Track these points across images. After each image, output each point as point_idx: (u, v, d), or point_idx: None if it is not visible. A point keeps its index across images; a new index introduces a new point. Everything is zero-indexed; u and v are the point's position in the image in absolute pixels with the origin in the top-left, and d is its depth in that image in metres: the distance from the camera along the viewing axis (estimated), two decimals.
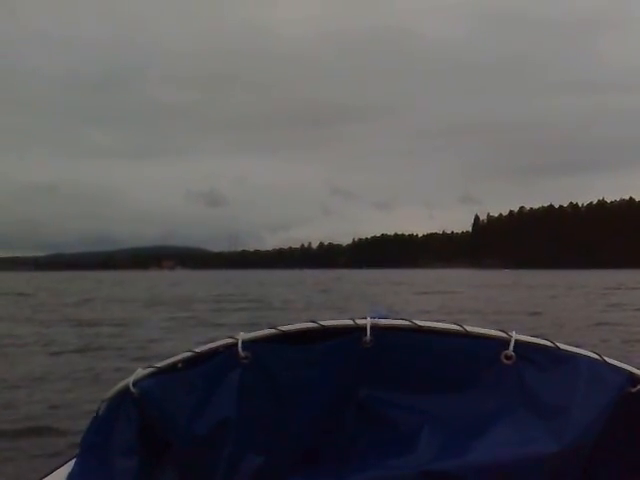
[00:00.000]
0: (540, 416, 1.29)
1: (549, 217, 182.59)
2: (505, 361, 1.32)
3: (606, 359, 1.33)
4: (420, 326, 1.35)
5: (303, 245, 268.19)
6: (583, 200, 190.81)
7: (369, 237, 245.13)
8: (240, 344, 1.36)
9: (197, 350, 1.43)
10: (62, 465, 1.70)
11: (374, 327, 1.34)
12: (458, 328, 1.35)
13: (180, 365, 1.44)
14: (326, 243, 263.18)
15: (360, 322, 1.35)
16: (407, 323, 1.36)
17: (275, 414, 1.36)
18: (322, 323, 1.38)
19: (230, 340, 1.39)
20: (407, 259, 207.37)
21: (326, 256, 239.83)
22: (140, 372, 1.44)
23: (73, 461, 1.48)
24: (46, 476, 1.70)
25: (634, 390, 1.31)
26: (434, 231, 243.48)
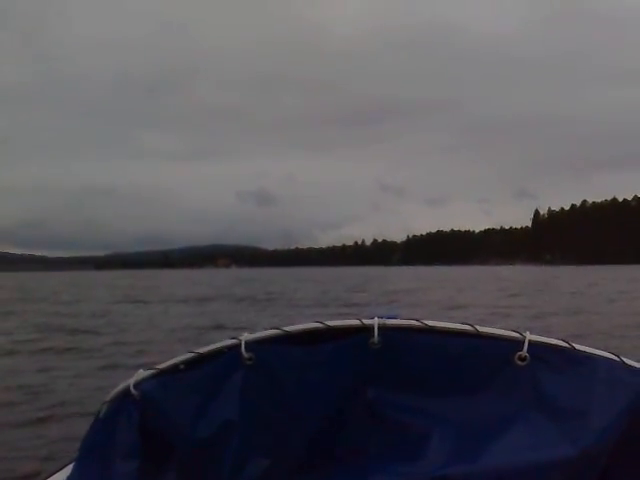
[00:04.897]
0: (555, 420, 1.23)
1: (613, 211, 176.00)
2: (519, 362, 1.26)
3: (625, 360, 1.28)
4: (430, 326, 1.29)
5: (357, 242, 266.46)
6: None
7: (424, 233, 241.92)
8: (243, 345, 1.32)
9: (199, 351, 1.38)
10: (61, 468, 1.66)
11: (382, 327, 1.28)
12: (469, 328, 1.29)
13: (182, 366, 1.40)
14: (380, 240, 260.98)
15: (367, 322, 1.29)
16: (416, 323, 1.29)
17: (279, 416, 1.32)
18: (328, 323, 1.32)
19: (233, 341, 1.35)
20: (464, 256, 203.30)
21: (380, 253, 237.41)
22: (141, 373, 1.41)
23: (72, 465, 1.44)
24: (45, 479, 1.67)
25: None
26: (490, 227, 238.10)
